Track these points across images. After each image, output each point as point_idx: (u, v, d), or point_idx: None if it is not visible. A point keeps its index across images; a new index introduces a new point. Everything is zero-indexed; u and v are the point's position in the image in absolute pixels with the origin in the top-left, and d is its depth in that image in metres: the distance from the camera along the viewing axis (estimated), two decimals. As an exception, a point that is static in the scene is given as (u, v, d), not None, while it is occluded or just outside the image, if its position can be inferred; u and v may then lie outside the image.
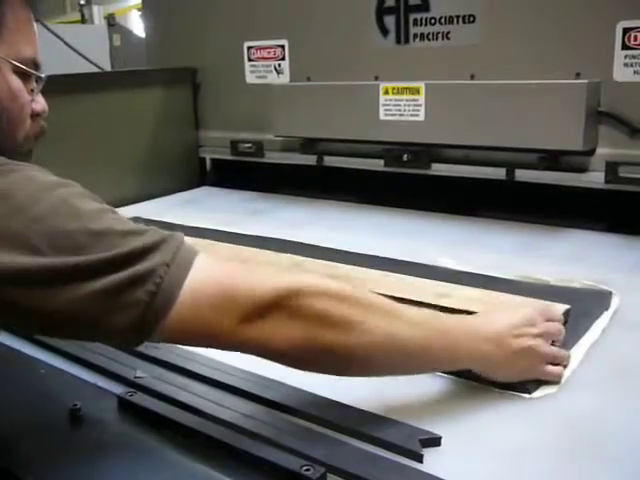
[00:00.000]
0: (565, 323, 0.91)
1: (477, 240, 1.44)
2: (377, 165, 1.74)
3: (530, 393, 0.81)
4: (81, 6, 5.34)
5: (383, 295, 0.78)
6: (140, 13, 2.30)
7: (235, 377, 0.86)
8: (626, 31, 1.38)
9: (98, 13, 5.35)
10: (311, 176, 1.89)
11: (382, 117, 1.66)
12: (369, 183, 1.80)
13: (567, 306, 0.97)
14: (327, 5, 1.77)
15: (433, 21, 1.61)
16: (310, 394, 0.81)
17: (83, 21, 5.20)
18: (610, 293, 1.09)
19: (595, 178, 1.46)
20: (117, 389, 0.84)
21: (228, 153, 2.05)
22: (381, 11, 1.68)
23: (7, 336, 1.02)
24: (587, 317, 0.99)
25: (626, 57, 1.39)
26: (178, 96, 2.09)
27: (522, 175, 1.54)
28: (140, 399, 0.80)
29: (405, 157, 1.68)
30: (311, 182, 1.89)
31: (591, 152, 1.46)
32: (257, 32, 1.92)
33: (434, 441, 0.70)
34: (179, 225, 1.58)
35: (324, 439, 0.72)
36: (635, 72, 1.39)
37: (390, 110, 1.64)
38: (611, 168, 1.43)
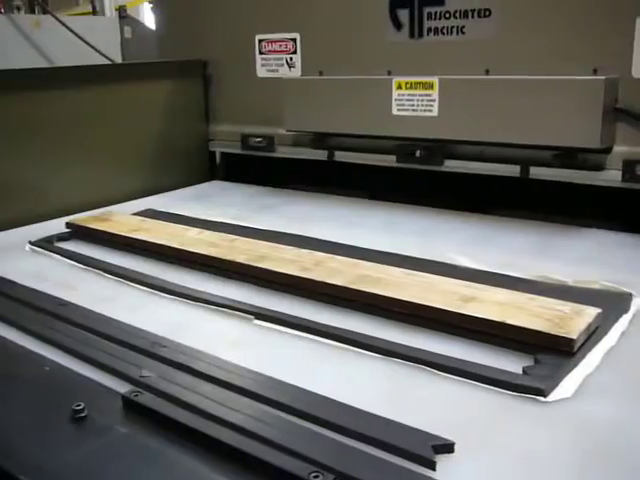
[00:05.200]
0: (597, 328, 0.91)
1: (491, 239, 1.41)
2: (389, 161, 1.72)
3: (545, 396, 0.79)
4: (93, -2, 5.33)
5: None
6: (151, 5, 2.27)
7: (242, 377, 0.84)
8: (646, 26, 1.35)
9: (109, 5, 5.35)
10: (322, 171, 1.87)
11: (395, 112, 1.63)
12: (380, 179, 1.78)
13: (598, 310, 0.95)
14: (340, -2, 1.75)
15: (448, 15, 1.58)
16: (320, 396, 0.79)
17: (94, 13, 5.20)
18: (630, 295, 1.06)
19: (612, 176, 1.43)
20: (122, 388, 0.82)
21: (239, 147, 2.03)
22: (395, 4, 1.65)
23: (13, 331, 1.01)
24: (606, 320, 0.96)
25: (645, 53, 1.36)
26: (189, 89, 2.07)
27: (537, 173, 1.51)
28: (145, 399, 0.78)
29: (418, 153, 1.65)
30: (322, 177, 1.88)
31: (608, 150, 1.43)
32: (268, 25, 1.90)
33: (447, 447, 0.68)
34: (193, 218, 1.59)
35: (333, 444, 0.70)
36: (654, 68, 1.36)
37: (403, 105, 1.62)
38: (628, 166, 1.41)
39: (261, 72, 1.95)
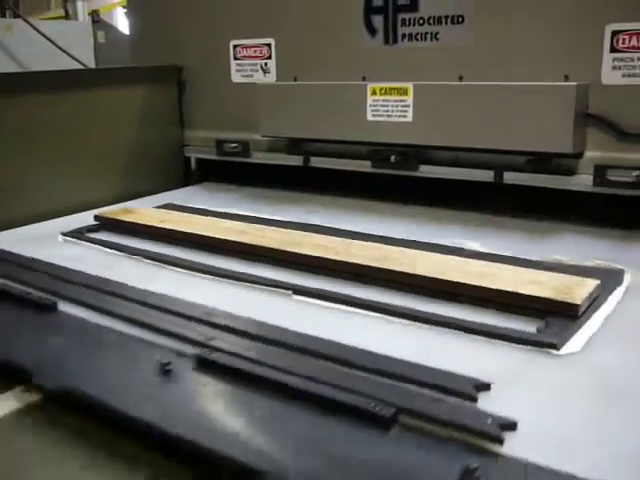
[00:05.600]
0: (597, 297, 1.04)
1: (476, 237, 1.44)
2: (364, 166, 1.72)
3: (558, 349, 0.91)
4: (65, 2, 5.29)
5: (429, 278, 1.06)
6: (125, 10, 2.26)
7: (299, 337, 0.94)
8: (614, 34, 1.37)
9: (82, 9, 5.30)
10: (298, 176, 1.87)
11: (370, 118, 1.64)
12: (357, 184, 1.78)
13: (597, 281, 1.07)
14: (314, 3, 1.76)
15: (422, 21, 1.60)
16: (368, 351, 0.90)
17: (67, 17, 5.15)
18: (622, 270, 1.18)
19: (584, 181, 1.45)
20: (192, 351, 0.91)
21: (214, 153, 2.02)
22: (369, 10, 1.67)
23: (81, 309, 1.09)
24: (603, 291, 1.08)
25: (614, 60, 1.38)
26: (163, 94, 2.06)
27: (510, 178, 1.53)
28: (218, 357, 0.87)
29: (393, 158, 1.66)
30: (298, 182, 1.88)
31: (580, 155, 1.45)
32: (243, 30, 1.90)
33: (485, 386, 0.81)
34: (211, 210, 1.66)
35: (389, 386, 0.81)
36: (623, 75, 1.38)
37: (378, 111, 1.63)
38: (600, 171, 1.43)
39: (236, 77, 1.95)
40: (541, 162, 1.49)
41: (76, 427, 0.81)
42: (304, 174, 1.86)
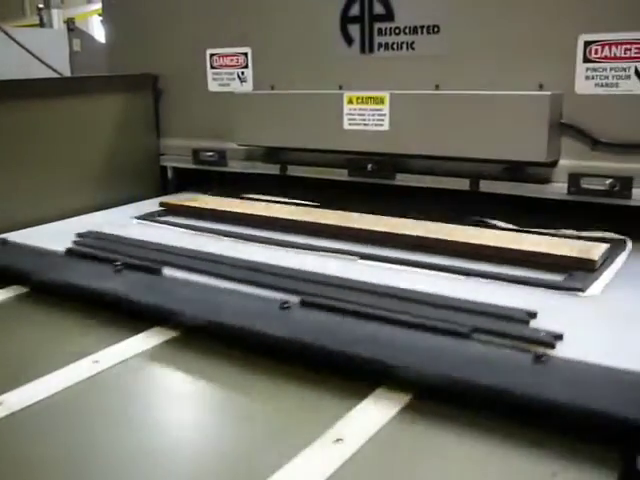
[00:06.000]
0: (607, 258, 1.28)
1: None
2: (341, 175, 1.73)
3: (583, 292, 1.15)
4: (39, 10, 5.25)
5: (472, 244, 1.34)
6: (101, 18, 2.24)
7: (386, 287, 1.16)
8: (587, 44, 1.39)
9: (58, 17, 5.26)
10: (275, 185, 1.87)
11: (346, 126, 1.64)
12: (334, 192, 1.78)
13: (607, 245, 1.32)
14: (291, 13, 1.76)
15: (397, 31, 1.61)
16: (443, 295, 1.12)
17: (42, 25, 5.11)
18: (625, 239, 1.42)
19: (558, 189, 1.47)
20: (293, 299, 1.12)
21: (190, 161, 2.01)
22: (345, 20, 1.67)
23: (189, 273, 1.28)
24: (611, 254, 1.32)
25: (587, 70, 1.40)
26: (139, 103, 2.05)
27: (486, 186, 1.54)
28: (318, 300, 1.09)
29: (369, 167, 1.67)
30: (275, 191, 1.87)
31: (554, 163, 1.47)
32: (220, 39, 1.90)
33: (532, 314, 1.03)
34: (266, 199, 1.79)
35: (464, 316, 1.03)
36: (596, 85, 1.40)
37: (354, 119, 1.63)
38: (574, 180, 1.44)
39: (212, 86, 1.94)
40: (516, 170, 1.50)
41: (218, 354, 1.04)
42: (282, 182, 1.86)
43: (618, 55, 1.37)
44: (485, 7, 1.50)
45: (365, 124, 1.62)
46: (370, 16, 1.63)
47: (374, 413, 0.86)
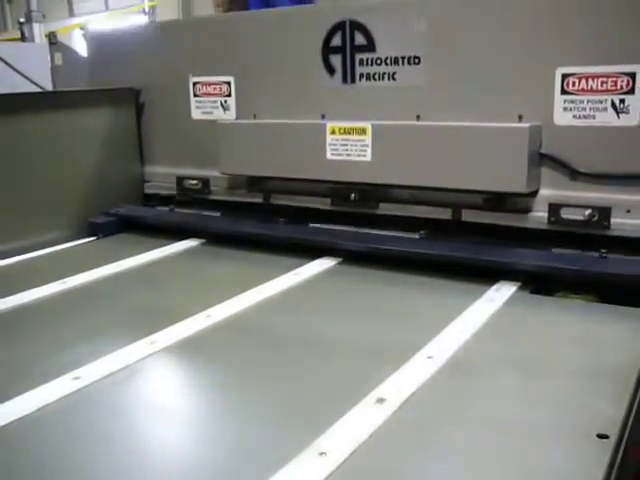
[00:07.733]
0: None
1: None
2: (325, 204, 1.74)
3: None
4: (20, 24, 5.23)
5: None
6: (83, 32, 2.23)
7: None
8: (565, 77, 1.42)
9: (39, 31, 5.24)
10: (259, 213, 1.88)
11: (329, 157, 1.66)
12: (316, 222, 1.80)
13: None
14: (274, 43, 1.77)
15: (379, 61, 1.62)
16: None
17: (23, 39, 5.09)
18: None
19: (539, 219, 1.49)
20: None
21: (174, 189, 2.02)
22: (327, 50, 1.68)
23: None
24: None
25: (565, 102, 1.43)
26: (121, 117, 2.03)
27: (468, 216, 1.56)
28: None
29: (352, 196, 1.68)
30: (258, 220, 1.88)
31: (534, 193, 1.48)
32: (203, 68, 1.90)
33: None
34: None
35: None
36: (574, 116, 1.42)
37: (337, 150, 1.64)
38: (554, 209, 1.47)
39: (196, 114, 1.95)
40: (497, 200, 1.52)
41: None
42: (265, 210, 1.87)
43: (595, 88, 1.39)
44: (466, 39, 1.52)
45: (348, 154, 1.63)
46: (352, 47, 1.65)
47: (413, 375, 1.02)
